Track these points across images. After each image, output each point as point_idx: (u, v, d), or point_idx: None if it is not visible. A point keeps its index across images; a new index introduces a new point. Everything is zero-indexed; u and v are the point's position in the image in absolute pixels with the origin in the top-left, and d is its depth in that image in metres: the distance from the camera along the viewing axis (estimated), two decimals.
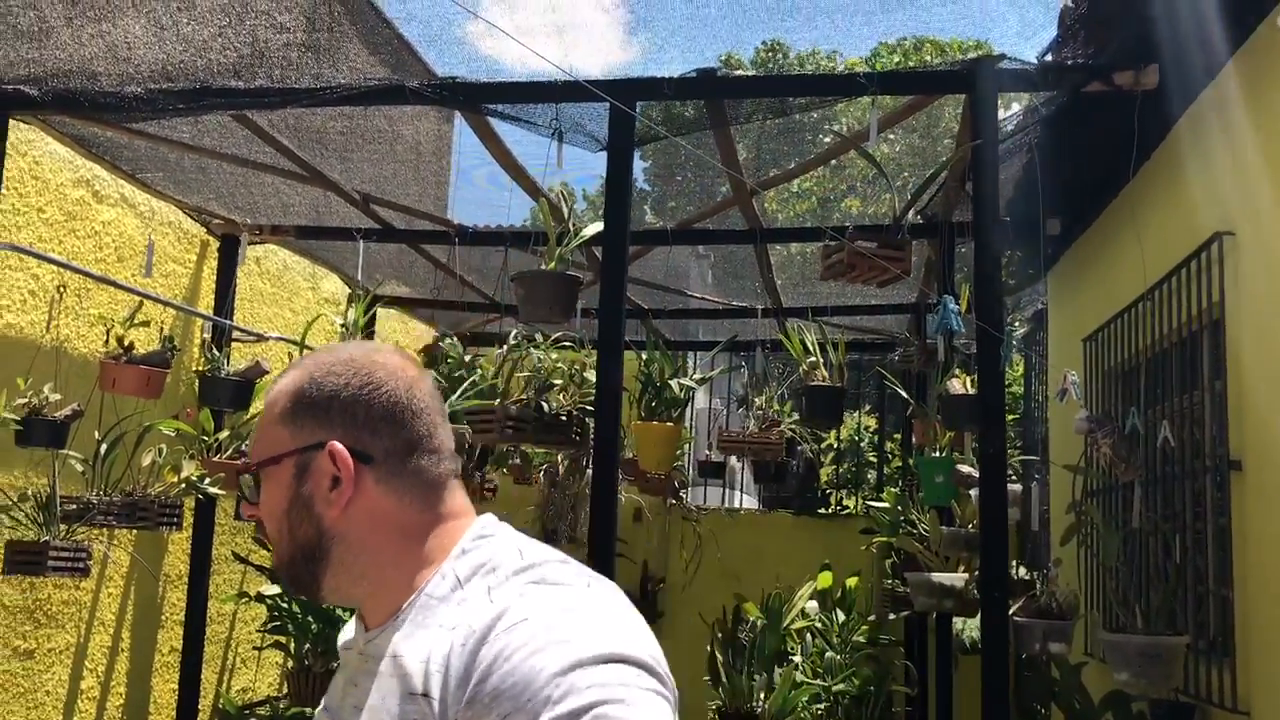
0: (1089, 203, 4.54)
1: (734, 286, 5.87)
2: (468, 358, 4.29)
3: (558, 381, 4.16)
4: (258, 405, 4.56)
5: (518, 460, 5.62)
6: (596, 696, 0.88)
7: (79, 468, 3.63)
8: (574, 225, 3.69)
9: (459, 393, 3.77)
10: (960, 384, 3.88)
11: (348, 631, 1.20)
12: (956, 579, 4.15)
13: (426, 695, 0.97)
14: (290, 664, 4.67)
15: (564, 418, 4.07)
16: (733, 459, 6.65)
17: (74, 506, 3.51)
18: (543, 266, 3.55)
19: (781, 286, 5.44)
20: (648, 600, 6.66)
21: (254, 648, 5.24)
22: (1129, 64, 3.07)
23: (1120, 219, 4.24)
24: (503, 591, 1.01)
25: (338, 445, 1.08)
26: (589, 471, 5.26)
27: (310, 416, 1.09)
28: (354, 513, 1.08)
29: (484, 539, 1.10)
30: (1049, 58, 3.28)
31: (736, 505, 7.79)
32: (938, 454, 4.29)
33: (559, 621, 0.95)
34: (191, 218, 4.68)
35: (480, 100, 3.31)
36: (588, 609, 0.98)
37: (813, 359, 4.36)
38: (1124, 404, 4.16)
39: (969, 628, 5.65)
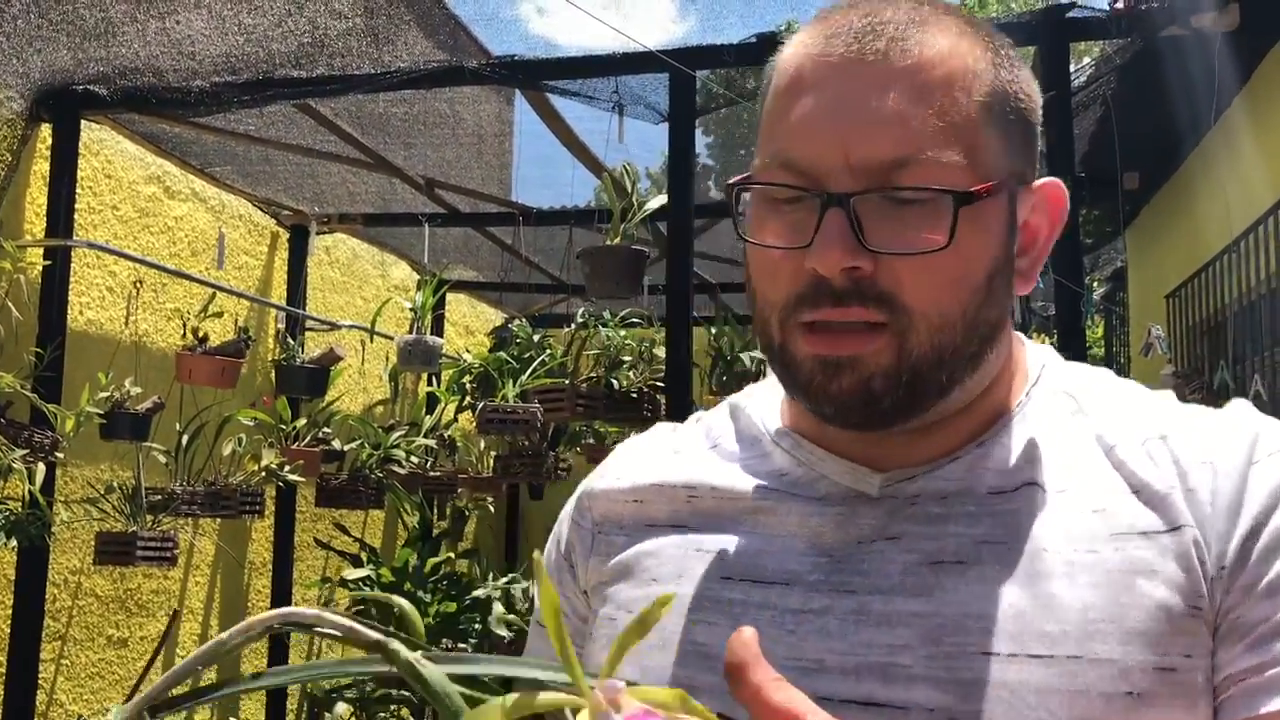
0: (1168, 154, 4.39)
1: None
2: (536, 338, 4.29)
3: (627, 358, 4.14)
4: (333, 392, 4.63)
5: (590, 440, 5.63)
6: None
7: (162, 459, 3.70)
8: (637, 200, 3.67)
9: (529, 372, 3.77)
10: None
11: (730, 478, 0.81)
12: None
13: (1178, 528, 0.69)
14: None
15: (634, 395, 4.06)
16: None
17: (159, 497, 3.59)
18: (608, 243, 3.53)
19: None
20: None
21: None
22: (1208, 5, 2.95)
23: (1201, 170, 4.09)
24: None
25: (1060, 186, 0.80)
26: None
27: (1018, 134, 0.75)
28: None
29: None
30: (1120, 4, 3.17)
31: None
32: None
33: None
34: (261, 210, 4.74)
35: (540, 77, 3.29)
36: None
37: None
38: (1212, 359, 4.02)
39: None
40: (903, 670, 0.69)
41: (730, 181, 0.77)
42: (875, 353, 0.71)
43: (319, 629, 0.46)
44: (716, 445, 0.86)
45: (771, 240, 0.73)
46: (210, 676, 4.62)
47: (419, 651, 0.43)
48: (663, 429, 0.94)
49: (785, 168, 0.73)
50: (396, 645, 0.43)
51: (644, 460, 0.89)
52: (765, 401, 0.86)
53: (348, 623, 0.45)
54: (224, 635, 0.46)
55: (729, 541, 0.79)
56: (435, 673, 0.41)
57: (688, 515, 0.82)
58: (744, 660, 0.51)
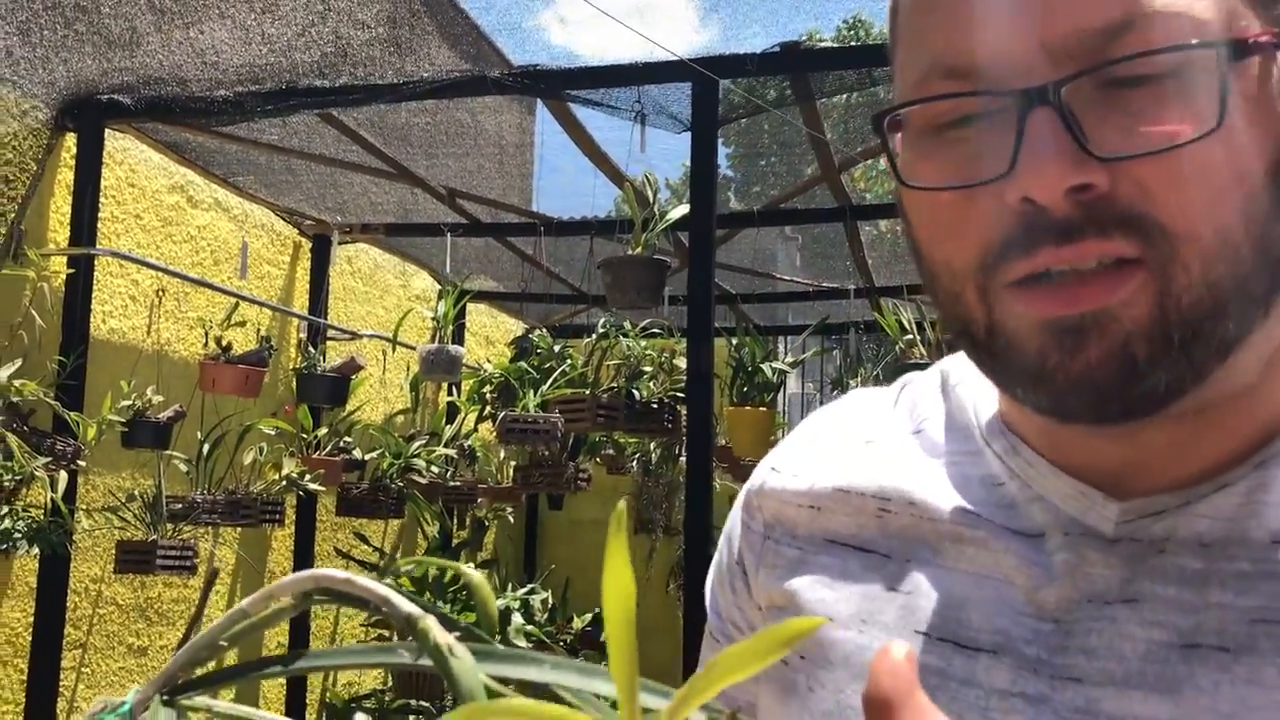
0: None
1: (823, 267, 5.78)
2: (557, 348, 4.28)
3: (648, 369, 4.13)
4: (354, 401, 4.63)
5: (611, 450, 5.61)
6: None
7: (183, 468, 3.70)
8: (659, 210, 3.66)
9: (550, 382, 3.76)
10: None
11: (937, 496, 0.62)
12: None
13: None
14: None
15: (655, 405, 4.04)
16: None
17: (179, 506, 3.59)
18: (629, 253, 3.52)
19: (873, 266, 5.33)
20: None
21: (357, 642, 5.32)
22: None
23: None
24: None
25: None
26: (682, 459, 5.23)
27: None
28: None
29: None
30: None
31: None
32: None
33: None
34: (283, 219, 4.75)
35: (562, 86, 3.28)
36: None
37: (909, 337, 4.26)
38: None
39: None
40: None
41: (880, 111, 0.58)
42: (1128, 303, 0.50)
43: (350, 595, 0.40)
44: (920, 431, 0.67)
45: (949, 179, 0.53)
46: (230, 691, 4.62)
47: (463, 640, 0.36)
48: (859, 400, 0.74)
49: (950, 75, 0.53)
50: (430, 623, 0.36)
51: (829, 451, 0.70)
52: (979, 377, 0.61)
53: (383, 591, 0.39)
54: (244, 603, 0.40)
55: (927, 581, 0.61)
56: (465, 666, 0.33)
57: (876, 534, 0.65)
58: (892, 696, 0.35)
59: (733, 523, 0.76)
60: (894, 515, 0.64)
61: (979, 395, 0.65)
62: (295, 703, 4.70)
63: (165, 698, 0.39)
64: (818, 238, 5.52)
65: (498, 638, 0.39)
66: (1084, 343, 0.50)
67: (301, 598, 0.40)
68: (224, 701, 0.41)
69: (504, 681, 0.36)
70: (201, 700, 0.40)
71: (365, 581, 0.39)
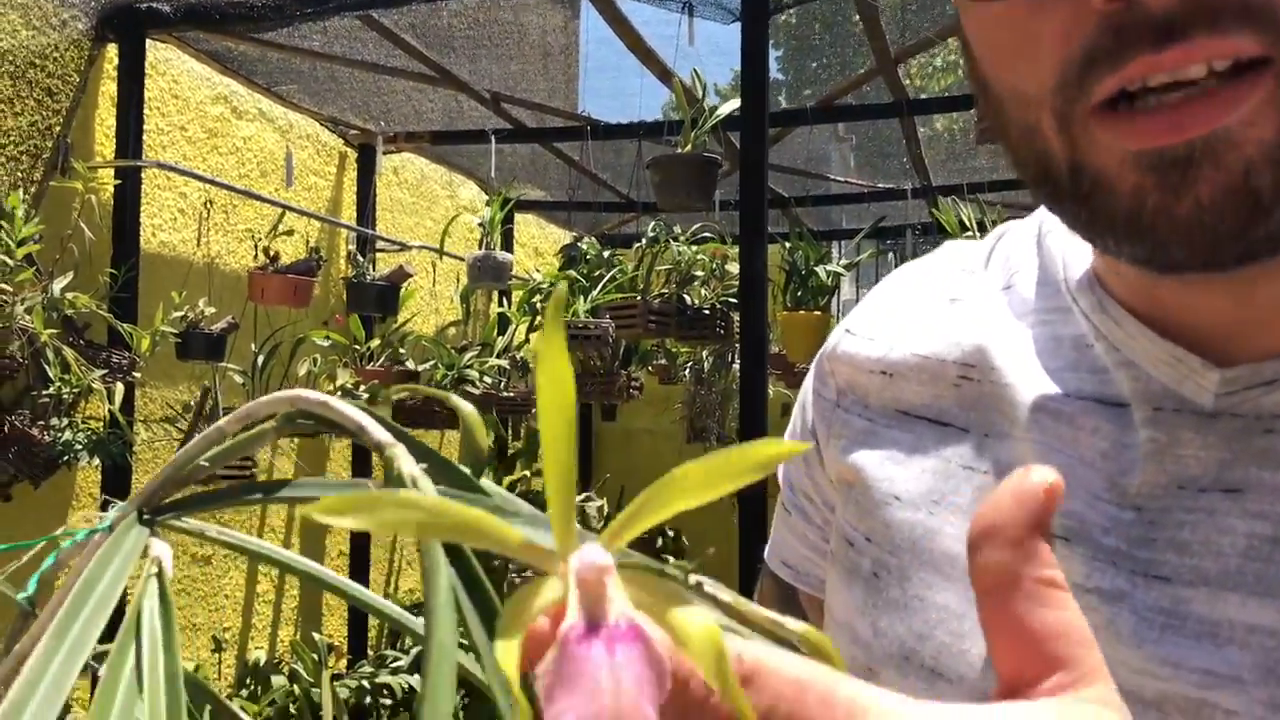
0: None
1: (878, 167, 5.63)
2: (606, 254, 4.23)
3: (699, 274, 4.06)
4: (405, 313, 4.62)
5: (663, 359, 5.57)
6: None
7: (238, 379, 3.72)
8: (708, 106, 3.55)
9: (599, 287, 3.71)
10: None
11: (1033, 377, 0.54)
12: None
13: None
14: None
15: (707, 311, 3.98)
16: None
17: None
18: (678, 151, 3.43)
19: (931, 165, 5.18)
20: None
21: (419, 549, 5.39)
22: None
23: None
24: None
25: None
26: (734, 366, 5.18)
27: None
28: None
29: None
30: None
31: None
32: None
33: None
34: (328, 129, 4.70)
35: None
36: None
37: (970, 235, 4.14)
38: None
39: None
40: (1222, 718, 0.45)
41: None
42: (1251, 120, 0.40)
43: (327, 419, 0.37)
44: (1010, 287, 0.59)
45: None
46: (294, 598, 4.64)
47: (440, 480, 0.32)
48: (949, 254, 0.66)
49: None
50: (398, 451, 0.33)
51: (909, 312, 0.63)
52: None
53: (358, 416, 0.36)
54: (221, 422, 0.39)
55: (1004, 456, 0.54)
56: (427, 500, 0.28)
57: (954, 405, 0.57)
58: (1001, 530, 0.28)
59: (806, 389, 0.70)
60: (974, 383, 0.56)
61: (1069, 245, 0.56)
62: (357, 615, 4.79)
63: (146, 516, 0.37)
64: (872, 137, 5.37)
65: (488, 475, 0.36)
66: (1192, 178, 0.41)
67: (283, 420, 0.39)
68: (214, 526, 0.40)
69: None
70: (195, 524, 0.38)
71: (342, 405, 0.37)
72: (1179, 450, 0.48)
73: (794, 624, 0.27)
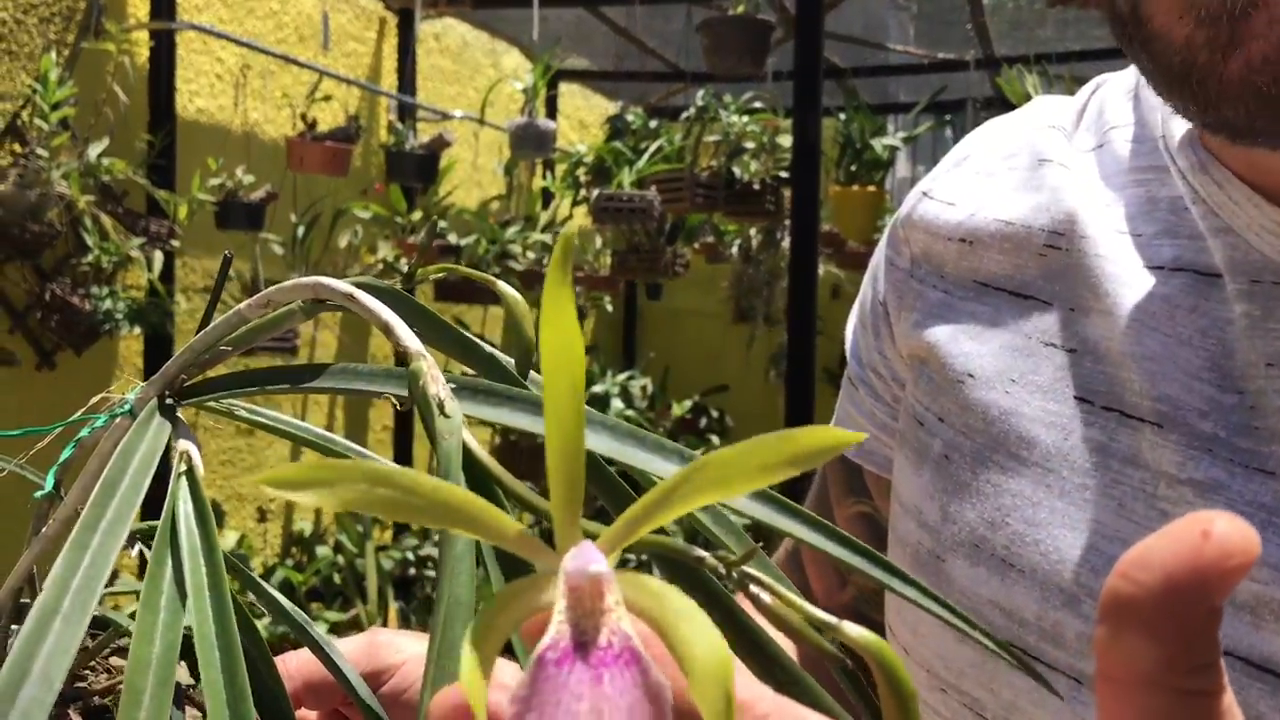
0: None
1: (938, 37, 5.38)
2: (653, 124, 4.09)
3: (749, 145, 3.92)
4: (446, 185, 4.52)
5: (710, 237, 5.45)
6: None
7: (279, 250, 3.67)
8: None
9: (645, 156, 3.59)
10: None
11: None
12: None
13: None
14: (496, 437, 4.79)
15: (757, 186, 3.86)
16: None
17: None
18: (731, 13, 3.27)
19: (995, 35, 4.93)
20: None
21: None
22: None
23: None
24: None
25: None
26: (784, 244, 5.05)
27: None
28: None
29: None
30: None
31: None
32: None
33: None
34: None
35: None
36: None
37: None
38: None
39: None
40: None
41: None
42: None
43: (349, 309, 0.35)
44: (1104, 145, 0.54)
45: None
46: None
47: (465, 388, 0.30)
48: (1040, 109, 0.60)
49: None
50: (424, 365, 0.30)
51: (993, 174, 0.58)
52: None
53: (385, 315, 0.32)
54: (241, 306, 0.37)
55: (1091, 332, 0.49)
56: (450, 427, 0.27)
57: (1038, 276, 0.52)
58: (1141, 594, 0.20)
59: (878, 257, 0.65)
60: (1062, 253, 0.52)
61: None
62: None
63: (170, 400, 0.36)
64: (933, 3, 5.12)
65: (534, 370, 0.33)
66: (1242, 33, 0.38)
67: (310, 304, 0.37)
68: (243, 404, 0.40)
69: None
70: (225, 404, 0.38)
71: (368, 299, 0.34)
72: (1277, 326, 0.43)
73: (852, 629, 0.22)
